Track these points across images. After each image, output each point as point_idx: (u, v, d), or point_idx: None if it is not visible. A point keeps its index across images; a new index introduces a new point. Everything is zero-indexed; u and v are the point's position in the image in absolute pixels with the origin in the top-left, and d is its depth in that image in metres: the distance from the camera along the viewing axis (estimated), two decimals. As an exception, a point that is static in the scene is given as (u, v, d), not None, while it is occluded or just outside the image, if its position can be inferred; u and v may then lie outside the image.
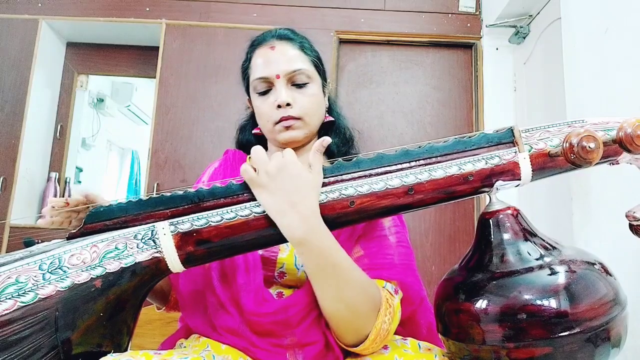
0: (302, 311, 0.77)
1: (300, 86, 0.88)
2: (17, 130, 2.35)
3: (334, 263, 0.65)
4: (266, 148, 0.98)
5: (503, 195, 0.68)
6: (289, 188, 0.63)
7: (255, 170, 0.66)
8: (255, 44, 0.92)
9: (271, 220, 0.65)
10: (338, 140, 0.96)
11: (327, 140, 0.68)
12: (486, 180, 0.65)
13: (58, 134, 2.62)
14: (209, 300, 0.82)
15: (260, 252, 0.82)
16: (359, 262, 0.77)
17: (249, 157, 0.99)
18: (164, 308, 0.96)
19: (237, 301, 0.79)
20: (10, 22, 2.45)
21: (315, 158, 0.67)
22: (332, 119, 0.96)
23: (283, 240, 0.68)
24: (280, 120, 0.86)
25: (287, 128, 0.86)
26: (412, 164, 0.67)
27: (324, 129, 0.96)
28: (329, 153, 0.93)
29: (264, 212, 0.65)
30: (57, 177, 2.57)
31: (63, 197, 2.15)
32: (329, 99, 0.99)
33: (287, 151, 0.67)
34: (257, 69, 0.89)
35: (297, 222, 0.63)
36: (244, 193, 0.67)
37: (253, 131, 0.97)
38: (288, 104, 0.85)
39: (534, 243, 0.62)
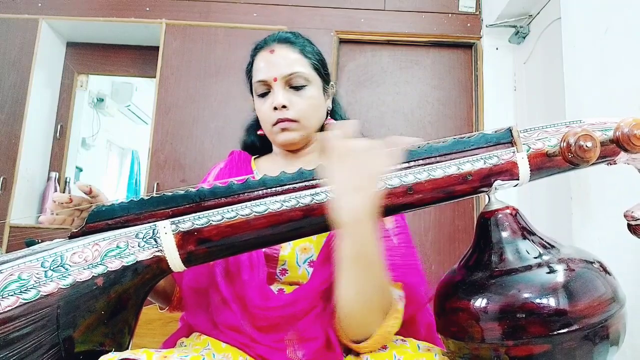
0: (308, 305, 0.78)
1: (297, 88, 0.89)
2: (17, 130, 2.35)
3: (370, 255, 0.65)
4: (271, 148, 1.00)
5: (503, 196, 0.68)
6: (362, 171, 0.62)
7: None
8: (257, 48, 0.94)
9: (272, 220, 0.65)
10: None
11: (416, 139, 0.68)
12: (485, 179, 0.66)
13: (58, 134, 2.62)
14: (212, 297, 0.83)
15: (263, 249, 0.82)
16: None
17: (254, 159, 1.00)
18: (166, 308, 0.96)
19: (240, 297, 0.80)
20: (10, 22, 2.45)
21: (397, 152, 0.66)
22: (334, 121, 0.97)
23: (283, 240, 0.68)
24: (277, 122, 0.88)
25: (284, 130, 0.88)
26: (412, 163, 0.67)
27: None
28: None
29: (266, 211, 0.65)
30: (57, 177, 2.57)
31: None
32: (333, 102, 0.99)
33: (377, 141, 0.66)
34: (257, 72, 0.91)
35: (354, 206, 0.62)
36: (245, 192, 0.68)
37: (258, 132, 0.99)
38: (284, 106, 0.87)
39: (533, 242, 0.63)
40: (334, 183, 0.63)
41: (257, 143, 1.01)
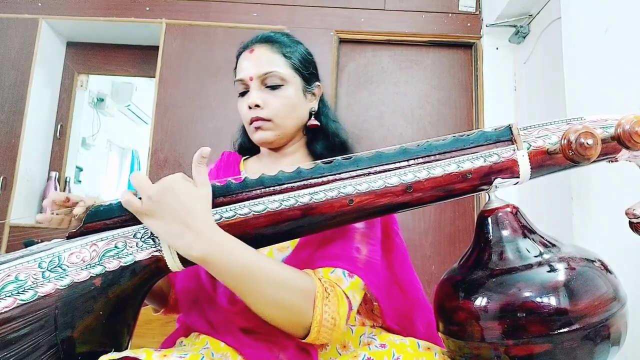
0: None
1: (273, 88, 0.89)
2: (17, 130, 2.35)
3: (244, 267, 0.64)
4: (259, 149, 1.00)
5: (503, 194, 0.68)
6: (176, 209, 0.61)
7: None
8: (240, 49, 0.95)
9: (270, 219, 0.65)
10: (324, 146, 0.95)
11: (205, 150, 0.68)
12: (485, 178, 0.65)
13: (58, 134, 2.62)
14: (202, 297, 0.83)
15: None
16: (318, 252, 0.77)
17: (244, 160, 1.00)
18: (162, 311, 0.96)
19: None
20: (10, 22, 2.45)
21: (197, 171, 0.66)
22: (317, 123, 0.95)
23: (283, 239, 0.68)
24: (252, 121, 0.89)
25: (257, 129, 0.90)
26: (411, 162, 0.67)
27: (313, 133, 0.96)
28: (315, 158, 0.93)
29: (264, 210, 0.65)
30: (57, 176, 2.57)
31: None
32: (321, 103, 0.98)
33: (175, 175, 0.66)
34: (237, 71, 0.93)
35: (192, 242, 0.61)
36: (243, 192, 0.67)
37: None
38: (257, 105, 0.88)
39: (533, 240, 0.63)
40: (159, 235, 0.63)
41: (247, 144, 1.01)
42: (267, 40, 0.92)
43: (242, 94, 0.92)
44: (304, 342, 0.71)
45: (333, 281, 0.74)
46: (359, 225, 0.81)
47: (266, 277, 0.66)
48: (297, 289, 0.68)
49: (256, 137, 0.91)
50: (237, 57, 0.95)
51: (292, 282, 0.68)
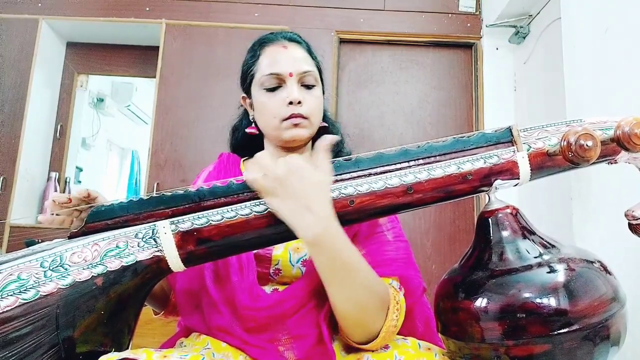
0: (297, 305, 0.78)
1: (309, 87, 0.90)
2: (17, 130, 2.35)
3: (347, 263, 0.66)
4: (260, 148, 0.98)
5: (503, 196, 0.68)
6: (301, 191, 0.63)
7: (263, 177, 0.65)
8: (265, 42, 0.93)
9: (272, 220, 0.65)
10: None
11: (335, 138, 0.69)
12: (485, 179, 0.66)
13: (58, 134, 2.62)
14: (203, 300, 0.83)
15: (255, 250, 0.82)
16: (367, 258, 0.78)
17: (243, 160, 0.99)
18: (161, 313, 0.96)
19: (230, 300, 0.80)
20: (10, 22, 2.45)
21: (323, 157, 0.67)
22: (326, 124, 0.97)
23: (284, 239, 0.68)
24: (290, 117, 0.87)
25: (296, 125, 0.87)
26: (411, 163, 0.67)
27: (318, 133, 0.96)
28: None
29: (265, 211, 0.65)
30: (57, 177, 2.57)
31: (63, 196, 2.15)
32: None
33: (291, 156, 0.67)
34: (269, 65, 0.89)
35: (312, 224, 0.63)
36: (245, 192, 0.68)
37: (247, 130, 0.97)
38: (299, 102, 0.87)
39: (533, 241, 0.63)
40: (281, 214, 0.64)
41: (246, 142, 1.00)
42: (295, 40, 0.93)
43: (272, 89, 0.89)
44: (364, 347, 0.72)
45: (396, 290, 0.76)
46: (383, 221, 0.84)
47: (360, 276, 0.67)
48: (380, 294, 0.70)
49: (291, 133, 0.88)
50: (258, 51, 0.93)
51: (377, 287, 0.70)
